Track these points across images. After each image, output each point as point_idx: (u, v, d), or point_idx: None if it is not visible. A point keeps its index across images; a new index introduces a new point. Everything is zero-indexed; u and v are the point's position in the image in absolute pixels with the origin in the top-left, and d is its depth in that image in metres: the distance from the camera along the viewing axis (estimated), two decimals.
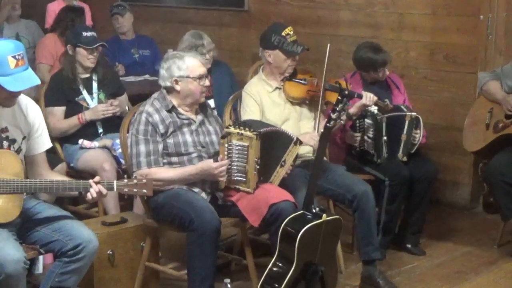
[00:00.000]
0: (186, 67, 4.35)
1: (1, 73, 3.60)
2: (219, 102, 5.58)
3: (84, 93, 5.32)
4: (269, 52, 4.84)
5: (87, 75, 5.36)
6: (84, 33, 5.31)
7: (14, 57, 3.61)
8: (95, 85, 5.36)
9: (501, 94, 5.32)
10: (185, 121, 4.39)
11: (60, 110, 5.27)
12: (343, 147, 5.24)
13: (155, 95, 4.44)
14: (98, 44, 5.31)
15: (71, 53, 5.33)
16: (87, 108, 5.28)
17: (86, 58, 5.28)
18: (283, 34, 4.81)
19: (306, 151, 4.84)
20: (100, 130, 5.32)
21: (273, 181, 4.42)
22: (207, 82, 4.41)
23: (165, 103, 4.37)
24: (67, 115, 5.27)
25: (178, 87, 4.36)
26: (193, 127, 4.40)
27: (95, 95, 5.34)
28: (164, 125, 4.31)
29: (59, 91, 5.28)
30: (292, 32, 4.84)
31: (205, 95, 4.48)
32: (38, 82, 3.70)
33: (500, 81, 5.38)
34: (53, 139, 5.16)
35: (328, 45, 4.84)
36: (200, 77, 4.37)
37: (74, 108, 5.27)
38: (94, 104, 5.31)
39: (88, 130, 5.27)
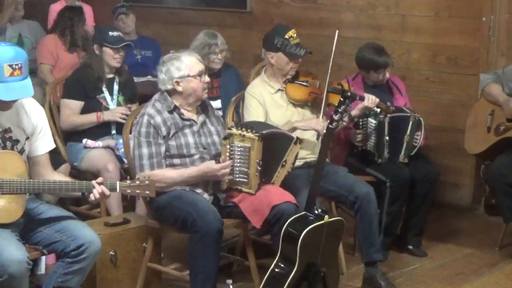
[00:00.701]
0: (185, 66, 4.36)
1: None
2: (226, 104, 5.58)
3: (105, 91, 5.34)
4: (272, 54, 4.85)
5: (111, 76, 5.38)
6: (110, 33, 5.36)
7: (10, 65, 3.58)
8: (116, 87, 5.38)
9: (503, 97, 5.31)
10: (187, 122, 4.39)
11: (77, 104, 5.29)
12: (345, 146, 5.25)
13: (156, 96, 4.44)
14: (123, 44, 5.33)
15: (97, 53, 5.36)
16: (106, 108, 5.32)
17: (112, 57, 5.32)
18: (286, 36, 4.81)
19: (307, 152, 4.86)
20: (113, 131, 5.34)
21: (274, 181, 4.43)
22: (207, 78, 4.41)
23: (167, 104, 4.38)
24: (85, 110, 5.30)
25: (180, 88, 4.37)
26: (195, 128, 4.41)
27: (115, 96, 5.37)
28: (166, 126, 4.32)
29: (80, 86, 5.31)
30: (295, 35, 4.85)
31: (207, 92, 4.49)
32: (30, 95, 3.69)
33: (502, 83, 5.38)
34: (64, 131, 5.22)
35: (337, 31, 4.83)
36: (200, 74, 4.37)
37: (92, 104, 5.30)
38: (113, 105, 5.35)
39: (102, 130, 5.30)
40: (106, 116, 5.28)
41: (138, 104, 5.53)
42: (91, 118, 5.28)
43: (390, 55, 5.37)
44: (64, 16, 6.62)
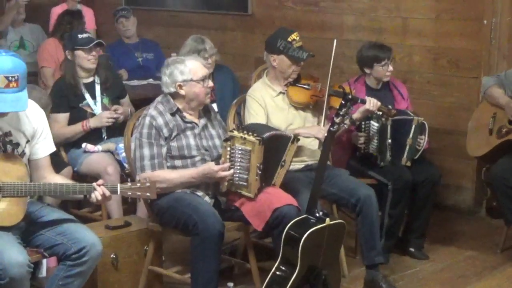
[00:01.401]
0: (189, 70, 4.36)
1: None
2: (222, 106, 5.59)
3: (87, 97, 5.32)
4: (274, 57, 4.85)
5: (90, 79, 5.36)
6: (80, 35, 5.34)
7: (7, 77, 3.55)
8: (98, 88, 5.36)
9: (504, 100, 5.30)
10: (189, 125, 4.39)
11: (63, 116, 5.27)
12: (347, 149, 5.24)
13: (159, 98, 4.45)
14: (94, 43, 5.31)
15: (70, 58, 5.34)
16: (92, 114, 5.29)
17: (85, 59, 5.29)
18: (289, 39, 4.81)
19: (308, 156, 4.86)
20: (104, 135, 5.33)
21: (275, 182, 4.42)
22: (210, 83, 4.41)
23: (169, 106, 4.38)
24: (71, 121, 5.28)
25: (182, 92, 4.37)
26: (196, 130, 4.41)
27: (98, 98, 5.34)
28: (168, 128, 4.32)
29: (62, 98, 5.27)
30: (298, 38, 4.84)
31: (210, 97, 4.48)
32: (23, 109, 3.65)
33: (504, 86, 5.37)
34: (57, 143, 5.22)
35: (335, 41, 4.82)
36: (203, 79, 4.38)
37: (78, 114, 5.28)
38: (98, 109, 5.31)
39: (92, 135, 5.28)
40: (92, 123, 5.25)
41: (128, 98, 5.51)
42: (77, 128, 5.25)
43: (388, 45, 5.38)
44: (63, 20, 6.63)
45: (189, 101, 4.39)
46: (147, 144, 4.28)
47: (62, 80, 5.37)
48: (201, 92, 4.38)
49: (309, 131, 4.75)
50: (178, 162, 4.34)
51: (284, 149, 4.40)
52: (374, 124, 5.07)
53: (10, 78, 3.56)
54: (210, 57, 5.64)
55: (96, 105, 5.33)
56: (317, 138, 4.73)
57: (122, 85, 5.67)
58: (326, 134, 4.37)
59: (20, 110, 3.69)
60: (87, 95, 5.32)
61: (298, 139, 4.47)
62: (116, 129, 5.25)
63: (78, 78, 5.31)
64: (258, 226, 4.28)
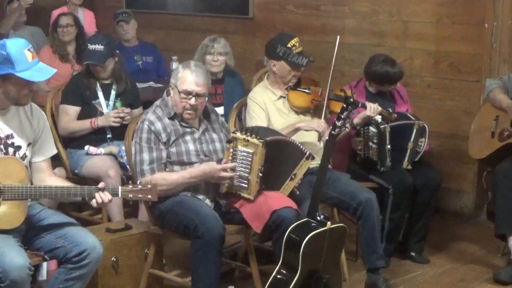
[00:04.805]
0: (179, 77, 4.33)
1: (23, 68, 3.67)
2: (229, 111, 5.57)
3: (100, 96, 5.32)
4: (274, 62, 4.85)
5: (108, 81, 5.37)
6: (90, 46, 5.33)
7: (29, 50, 3.70)
8: (113, 92, 5.37)
9: (506, 102, 5.29)
10: (188, 130, 4.38)
11: (74, 110, 5.28)
12: (348, 153, 5.24)
13: (157, 102, 4.44)
14: (105, 62, 5.28)
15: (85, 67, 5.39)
16: (101, 113, 5.30)
17: (94, 70, 5.31)
18: (288, 45, 4.81)
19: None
20: (109, 135, 5.32)
21: (283, 193, 4.40)
22: (192, 101, 4.29)
23: (167, 110, 4.37)
24: (81, 116, 5.29)
25: (171, 92, 4.38)
26: (196, 135, 4.40)
27: (111, 102, 5.35)
28: (166, 133, 4.31)
29: (77, 92, 5.30)
30: (298, 44, 4.84)
31: (192, 115, 4.35)
32: (55, 70, 3.81)
33: (507, 89, 5.36)
34: (62, 137, 5.23)
35: (338, 38, 4.81)
36: (184, 92, 4.29)
37: (89, 110, 5.30)
38: (108, 110, 5.31)
39: (97, 136, 5.29)
40: (100, 121, 5.26)
41: (141, 109, 5.52)
42: (86, 124, 5.26)
43: (400, 64, 5.36)
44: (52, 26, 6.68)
45: (174, 106, 4.39)
46: (146, 148, 4.28)
47: (82, 75, 5.40)
48: (178, 103, 4.32)
49: (309, 124, 4.75)
50: (176, 168, 4.32)
51: (295, 162, 4.37)
52: (373, 130, 5.07)
53: (31, 49, 3.72)
54: (218, 55, 5.65)
55: (108, 108, 5.33)
56: (318, 131, 4.72)
57: (138, 95, 5.64)
58: (326, 133, 4.36)
59: (53, 72, 3.80)
60: (100, 94, 5.32)
61: (314, 158, 4.44)
62: (122, 132, 5.24)
63: (97, 77, 5.34)
64: (257, 228, 4.27)
